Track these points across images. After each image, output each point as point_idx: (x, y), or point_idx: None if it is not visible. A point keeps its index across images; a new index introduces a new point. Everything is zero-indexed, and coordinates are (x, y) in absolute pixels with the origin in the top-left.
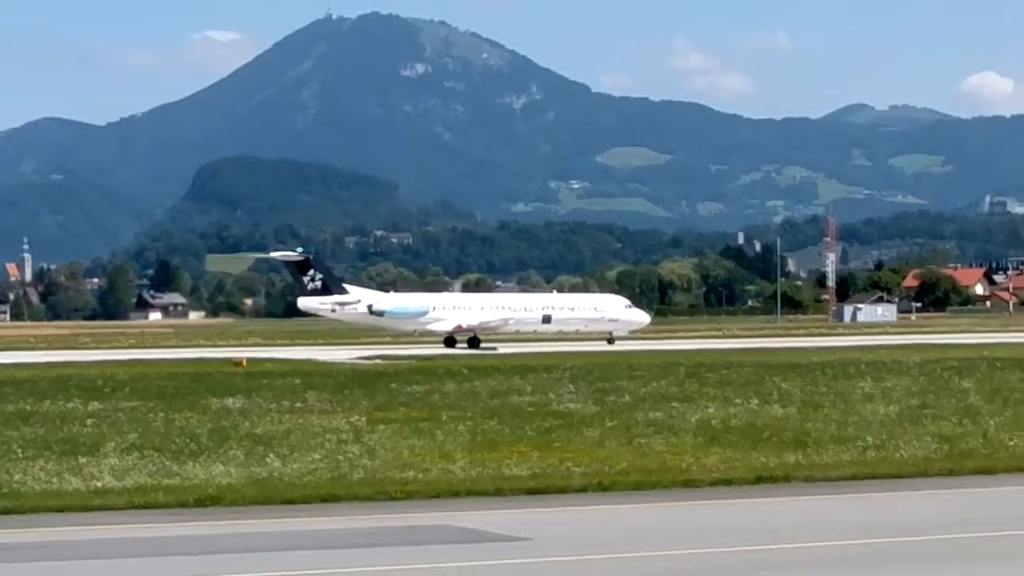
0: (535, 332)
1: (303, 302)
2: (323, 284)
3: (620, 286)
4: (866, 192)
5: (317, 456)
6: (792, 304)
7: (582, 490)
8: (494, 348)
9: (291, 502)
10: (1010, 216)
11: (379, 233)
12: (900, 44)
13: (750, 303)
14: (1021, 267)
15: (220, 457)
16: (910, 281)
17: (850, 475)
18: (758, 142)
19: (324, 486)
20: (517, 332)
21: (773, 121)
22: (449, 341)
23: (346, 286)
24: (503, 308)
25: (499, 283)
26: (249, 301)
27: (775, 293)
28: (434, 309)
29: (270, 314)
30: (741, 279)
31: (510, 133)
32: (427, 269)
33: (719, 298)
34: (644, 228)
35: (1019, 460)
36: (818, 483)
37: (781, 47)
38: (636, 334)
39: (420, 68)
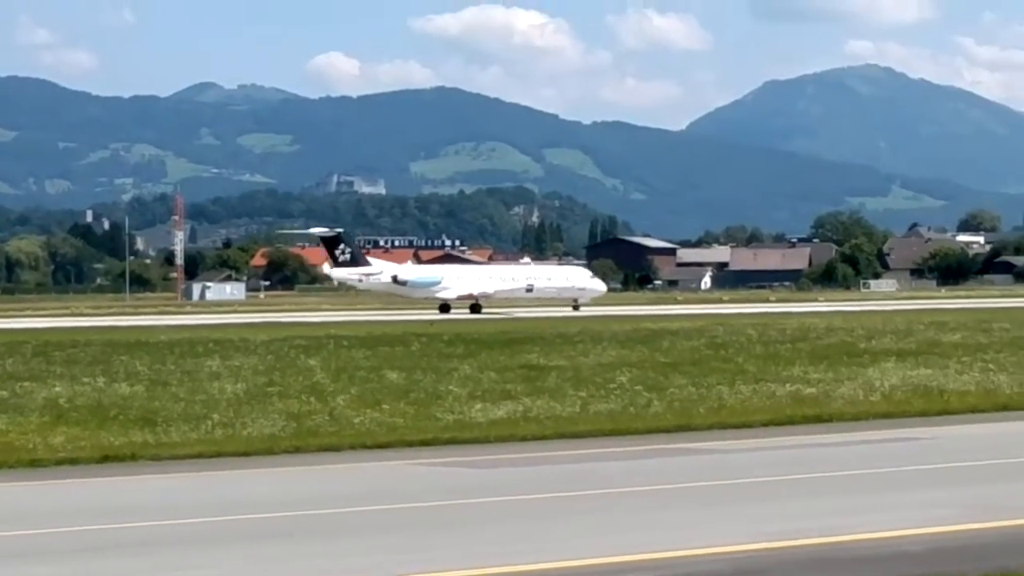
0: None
1: (336, 272)
2: (352, 257)
3: None
4: (215, 171)
5: None
6: (141, 282)
7: None
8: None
9: None
10: (357, 195)
11: None
12: (247, 23)
13: (99, 281)
14: (367, 246)
15: None
16: (258, 260)
17: (197, 453)
18: (106, 120)
19: None
20: (506, 300)
21: (121, 99)
22: (444, 308)
23: (369, 258)
24: (505, 279)
25: None
26: None
27: (124, 271)
28: (444, 279)
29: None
30: (90, 257)
31: None
32: None
33: (68, 276)
34: None
35: (364, 437)
36: (165, 461)
37: (127, 23)
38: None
39: None
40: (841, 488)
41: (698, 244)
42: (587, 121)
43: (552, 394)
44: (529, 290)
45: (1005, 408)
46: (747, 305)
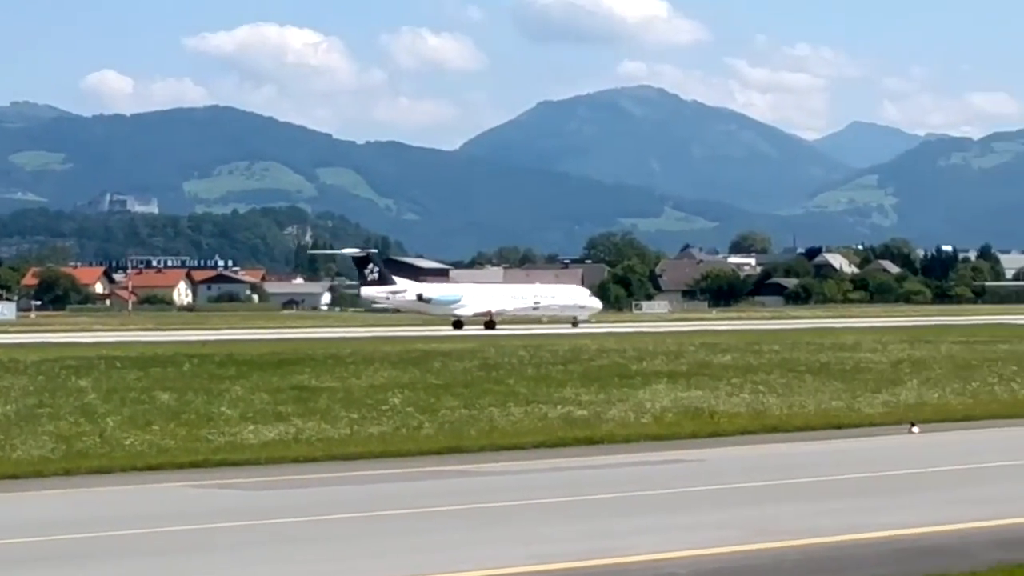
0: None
1: (365, 291)
2: (380, 276)
3: None
4: None
5: None
6: None
7: None
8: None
9: None
10: (130, 215)
11: None
12: (20, 39)
13: None
14: (140, 266)
15: None
16: (30, 279)
17: None
18: None
19: None
20: (516, 316)
21: None
22: (457, 324)
23: (395, 278)
24: (515, 298)
25: None
26: None
27: None
28: (464, 297)
29: None
30: None
31: None
32: None
33: None
34: None
35: (135, 459)
36: None
37: None
38: None
39: None
40: (610, 510)
41: (471, 265)
42: (361, 141)
43: (324, 416)
44: (536, 308)
45: (775, 430)
46: (519, 327)
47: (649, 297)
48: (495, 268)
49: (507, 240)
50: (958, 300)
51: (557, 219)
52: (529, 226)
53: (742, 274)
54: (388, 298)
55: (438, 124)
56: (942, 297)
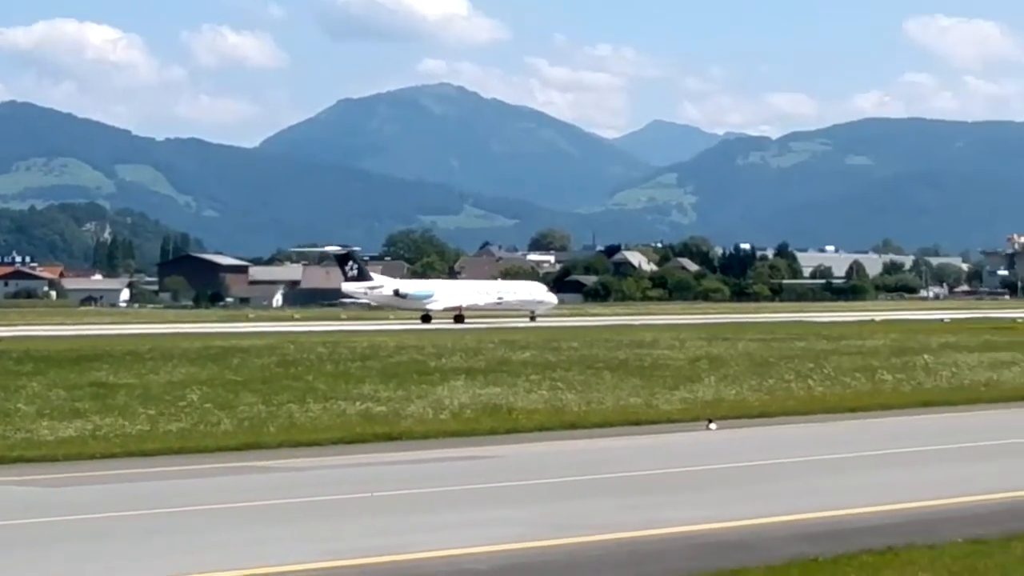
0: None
1: (346, 287)
2: (359, 272)
3: None
4: None
5: None
6: None
7: None
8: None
9: None
10: None
11: None
12: None
13: None
14: None
15: None
16: None
17: None
18: None
19: None
20: (482, 310)
21: None
22: (425, 318)
23: (372, 274)
24: (481, 293)
25: None
26: None
27: None
28: (436, 293)
29: None
30: None
31: None
32: None
33: None
34: None
35: None
36: None
37: None
38: None
39: None
40: (409, 506)
41: (270, 262)
42: (160, 138)
43: (121, 412)
44: (499, 302)
45: (573, 426)
46: (318, 323)
47: None
48: (294, 265)
49: (306, 237)
50: (756, 298)
51: (358, 216)
52: (329, 223)
53: (541, 271)
54: (366, 293)
55: (239, 121)
56: (740, 295)
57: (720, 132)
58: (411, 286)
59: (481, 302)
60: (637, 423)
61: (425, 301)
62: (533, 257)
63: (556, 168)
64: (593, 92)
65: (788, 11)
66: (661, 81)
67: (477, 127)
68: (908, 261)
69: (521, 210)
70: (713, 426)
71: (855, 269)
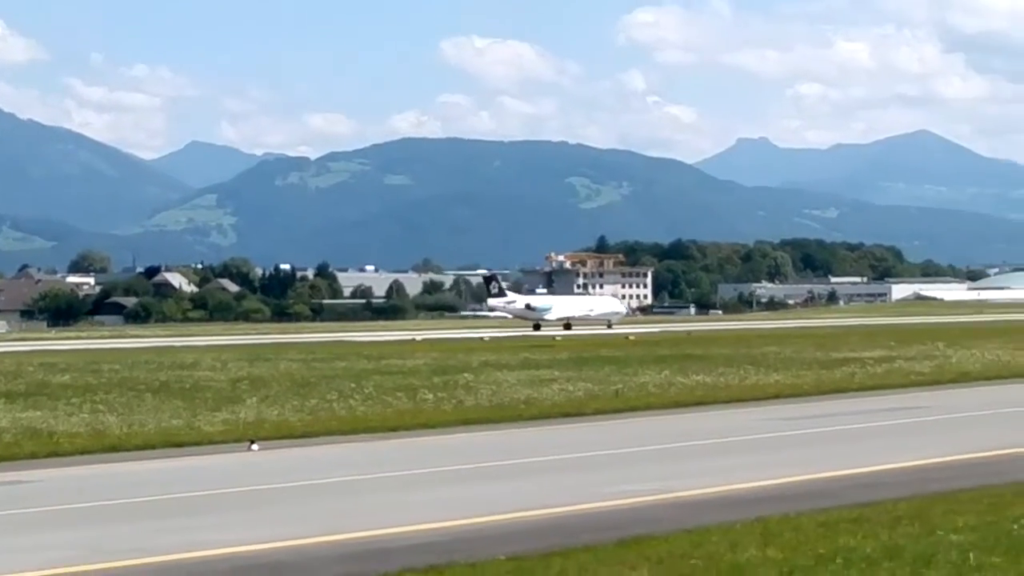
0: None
1: (492, 302)
2: (499, 290)
3: None
4: None
5: None
6: None
7: None
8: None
9: None
10: None
11: None
12: None
13: None
14: None
15: None
16: None
17: None
18: None
19: None
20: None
21: None
22: (536, 327)
23: (507, 292)
24: (579, 307)
25: None
26: None
27: None
28: (553, 307)
29: None
30: None
31: None
32: None
33: None
34: None
35: None
36: None
37: None
38: None
39: None
40: None
41: None
42: None
43: None
44: (590, 313)
45: (114, 449)
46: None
47: None
48: None
49: None
50: (297, 318)
51: None
52: None
53: (81, 293)
54: (505, 307)
55: None
56: (281, 315)
57: (259, 152)
58: (539, 301)
59: (578, 314)
60: (179, 445)
61: (546, 313)
62: (72, 279)
63: (94, 189)
64: (131, 112)
65: (326, 32)
66: (199, 101)
67: (13, 148)
68: (448, 280)
69: (60, 232)
70: (256, 447)
71: (395, 288)
